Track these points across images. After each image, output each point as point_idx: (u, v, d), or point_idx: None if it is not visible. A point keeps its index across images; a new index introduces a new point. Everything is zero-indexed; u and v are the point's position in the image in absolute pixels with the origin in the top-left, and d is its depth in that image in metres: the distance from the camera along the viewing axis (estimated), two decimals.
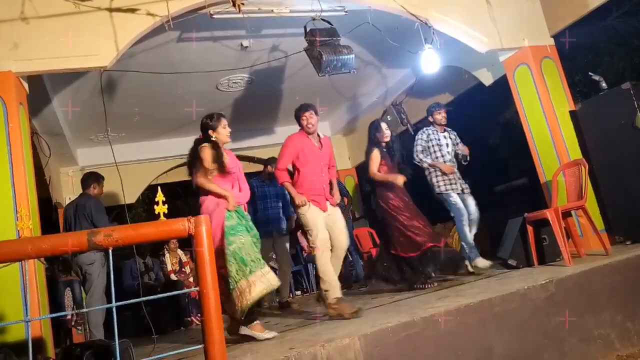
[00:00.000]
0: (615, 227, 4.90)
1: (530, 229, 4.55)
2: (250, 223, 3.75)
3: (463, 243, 5.00)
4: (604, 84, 5.12)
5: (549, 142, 5.12)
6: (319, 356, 2.58)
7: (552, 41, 5.41)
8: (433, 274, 4.70)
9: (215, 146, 3.61)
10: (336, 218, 4.04)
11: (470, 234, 5.05)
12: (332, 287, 3.73)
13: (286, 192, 5.75)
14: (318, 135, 4.16)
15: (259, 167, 8.86)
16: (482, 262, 4.84)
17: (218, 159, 3.56)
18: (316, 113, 4.12)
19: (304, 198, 3.91)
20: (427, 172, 5.27)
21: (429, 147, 5.25)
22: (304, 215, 3.94)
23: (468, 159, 5.33)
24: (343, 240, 4.02)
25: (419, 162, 5.25)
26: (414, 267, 4.64)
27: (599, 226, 4.69)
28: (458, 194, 5.11)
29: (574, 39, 5.85)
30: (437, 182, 5.14)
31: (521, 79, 5.31)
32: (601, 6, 5.15)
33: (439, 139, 5.27)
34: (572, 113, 5.22)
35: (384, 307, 3.89)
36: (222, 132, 3.67)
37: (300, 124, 4.14)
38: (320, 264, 3.82)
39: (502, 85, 5.66)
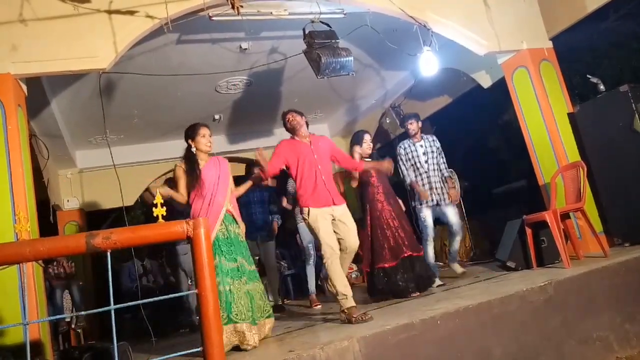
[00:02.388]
0: (613, 229, 4.90)
1: (529, 231, 4.55)
2: (240, 243, 3.68)
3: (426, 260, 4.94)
4: (602, 87, 5.13)
5: (548, 145, 5.12)
6: (318, 359, 2.58)
7: (550, 44, 5.42)
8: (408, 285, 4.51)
9: (190, 162, 3.73)
10: (345, 218, 3.93)
11: (454, 242, 5.25)
12: (345, 296, 3.65)
13: (272, 198, 5.88)
14: (310, 139, 4.10)
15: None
16: (437, 282, 4.80)
17: (190, 177, 3.67)
18: (300, 114, 4.12)
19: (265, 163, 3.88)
20: (408, 185, 5.37)
21: (407, 160, 5.32)
22: (307, 221, 3.90)
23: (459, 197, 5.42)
24: (352, 242, 3.91)
25: (403, 178, 5.36)
26: (390, 276, 4.49)
27: (598, 228, 4.70)
28: (433, 206, 5.15)
29: (572, 41, 5.86)
30: (413, 196, 5.27)
31: (519, 81, 5.32)
32: (599, 9, 5.16)
33: (415, 150, 5.32)
34: (570, 115, 5.23)
35: (382, 309, 3.89)
36: (201, 140, 3.74)
37: (286, 128, 4.16)
38: (330, 272, 3.74)
39: (501, 88, 5.67)
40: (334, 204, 3.92)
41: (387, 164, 4.60)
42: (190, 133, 3.79)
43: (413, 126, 5.36)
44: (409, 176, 5.27)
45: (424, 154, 5.28)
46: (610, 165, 4.89)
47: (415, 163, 5.25)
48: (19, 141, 3.59)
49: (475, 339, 2.97)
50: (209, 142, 3.78)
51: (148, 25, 3.97)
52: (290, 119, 4.10)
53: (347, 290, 3.66)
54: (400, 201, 4.91)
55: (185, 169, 3.72)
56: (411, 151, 5.30)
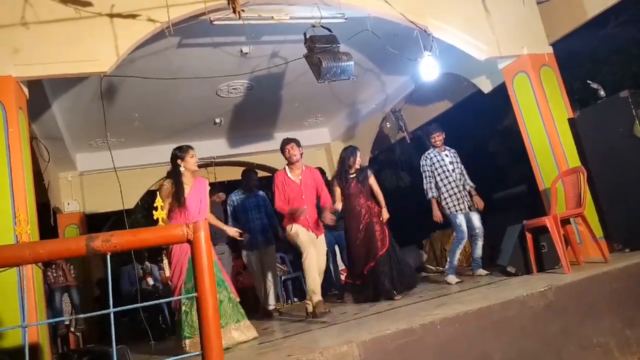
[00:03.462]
0: (614, 235, 4.89)
1: (529, 236, 4.54)
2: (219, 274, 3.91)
3: (450, 259, 5.39)
4: (602, 92, 5.13)
5: (548, 150, 5.13)
6: None
7: (550, 49, 5.43)
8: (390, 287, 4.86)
9: (176, 180, 3.96)
10: (318, 242, 4.74)
11: (477, 247, 5.43)
12: (314, 292, 4.40)
13: (267, 202, 6.17)
14: (302, 169, 4.81)
15: (260, 173, 8.87)
16: (481, 271, 5.30)
17: (176, 201, 3.92)
18: (298, 145, 4.78)
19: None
20: (439, 193, 5.51)
21: (433, 171, 5.47)
22: (289, 234, 4.67)
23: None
24: (322, 262, 4.74)
25: (426, 192, 5.51)
26: (374, 277, 4.88)
27: (598, 234, 4.69)
28: (465, 212, 5.36)
29: (573, 47, 5.87)
30: (447, 203, 5.40)
31: (520, 86, 5.32)
32: (600, 15, 5.18)
33: (442, 159, 5.49)
34: (570, 121, 5.23)
35: (381, 314, 3.88)
36: (190, 161, 4.06)
37: (284, 155, 4.79)
38: (305, 269, 4.52)
39: (501, 93, 5.67)
40: (314, 233, 4.72)
41: (338, 207, 5.07)
42: (180, 154, 4.03)
43: (440, 138, 5.53)
44: (432, 191, 5.45)
45: (450, 163, 5.48)
46: (611, 170, 4.89)
47: (444, 171, 5.43)
48: (19, 144, 3.59)
49: (475, 344, 2.96)
50: (196, 162, 4.12)
51: (149, 29, 3.98)
52: (290, 151, 4.74)
53: (317, 288, 4.44)
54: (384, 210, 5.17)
55: (173, 191, 3.94)
56: (438, 161, 5.49)
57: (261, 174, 8.79)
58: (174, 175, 4.01)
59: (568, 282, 3.52)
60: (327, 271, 6.00)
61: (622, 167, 4.79)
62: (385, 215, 5.11)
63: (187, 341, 3.72)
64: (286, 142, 4.79)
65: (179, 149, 4.08)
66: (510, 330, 3.09)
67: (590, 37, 7.93)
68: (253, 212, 5.98)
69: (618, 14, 8.22)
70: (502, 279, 4.60)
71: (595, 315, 3.40)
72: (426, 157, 5.56)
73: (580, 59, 8.64)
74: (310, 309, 4.50)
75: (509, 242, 4.84)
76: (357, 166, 5.19)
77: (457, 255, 5.41)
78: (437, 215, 5.40)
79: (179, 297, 3.02)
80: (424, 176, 5.53)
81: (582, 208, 4.41)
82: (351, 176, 5.19)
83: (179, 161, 4.02)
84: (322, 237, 4.84)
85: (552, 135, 5.12)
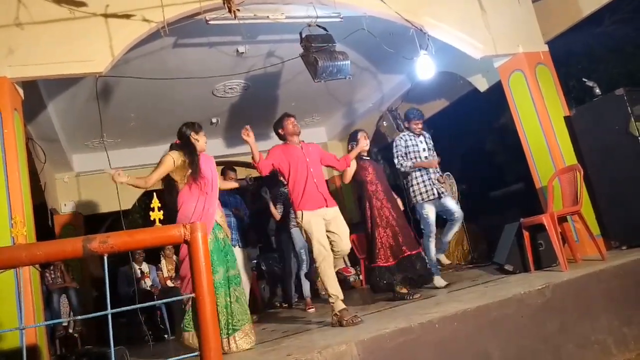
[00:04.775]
0: (611, 232, 4.91)
1: (526, 234, 4.55)
2: (231, 250, 3.69)
3: (428, 257, 4.91)
4: (598, 90, 5.15)
5: (544, 148, 5.14)
6: None
7: (546, 47, 5.44)
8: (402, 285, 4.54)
9: (191, 151, 3.65)
10: (337, 221, 4.00)
11: (451, 232, 5.05)
12: (336, 298, 3.70)
13: (243, 205, 5.82)
14: (301, 145, 4.20)
15: (256, 173, 8.85)
16: (438, 281, 4.87)
17: (191, 167, 3.56)
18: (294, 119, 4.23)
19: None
20: (405, 182, 5.21)
21: (407, 153, 5.14)
22: (301, 224, 3.94)
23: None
24: (344, 246, 3.98)
25: (399, 167, 5.14)
26: (388, 276, 4.49)
27: (595, 231, 4.71)
28: (434, 200, 4.97)
29: (568, 45, 5.88)
30: (413, 191, 5.06)
31: (516, 85, 5.33)
32: (595, 13, 5.20)
33: (416, 144, 5.17)
34: (566, 119, 5.25)
35: (380, 313, 3.89)
36: (202, 139, 3.78)
37: (280, 132, 4.24)
38: (322, 274, 3.80)
39: (497, 91, 5.68)
40: (327, 206, 3.97)
41: (362, 141, 4.54)
42: (196, 127, 3.79)
43: (419, 126, 5.22)
44: (408, 163, 5.06)
45: (424, 150, 5.17)
46: (607, 168, 4.91)
47: (416, 157, 5.10)
48: (15, 145, 3.57)
49: (474, 342, 2.97)
50: (205, 142, 3.82)
51: (145, 29, 3.97)
52: (292, 124, 4.17)
53: (339, 293, 3.71)
54: (399, 200, 4.90)
55: (184, 158, 3.60)
56: (412, 144, 5.15)
57: (257, 174, 8.79)
58: (186, 146, 3.69)
59: (565, 280, 3.52)
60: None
61: (618, 164, 4.81)
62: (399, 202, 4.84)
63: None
64: (286, 116, 4.26)
65: (192, 124, 3.80)
66: (509, 328, 3.10)
67: (586, 35, 7.94)
68: (231, 210, 5.87)
69: (613, 12, 8.24)
70: (499, 277, 4.61)
71: (592, 312, 3.41)
72: (401, 137, 5.22)
73: (576, 57, 8.66)
74: (338, 309, 3.69)
75: (506, 240, 4.84)
76: (367, 148, 4.74)
77: (433, 252, 5.01)
78: (426, 163, 5.03)
79: (179, 297, 3.00)
80: (395, 155, 5.16)
81: (578, 206, 4.43)
82: (365, 159, 4.83)
83: (193, 134, 3.75)
84: (338, 211, 4.10)
85: (548, 133, 5.13)
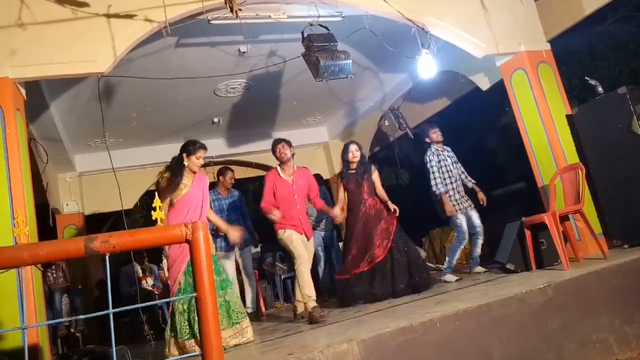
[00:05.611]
0: (613, 231, 4.90)
1: (528, 233, 4.55)
2: (220, 268, 3.87)
3: (450, 258, 5.39)
4: (600, 89, 5.14)
5: (546, 146, 5.13)
6: None
7: (548, 46, 5.43)
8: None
9: (175, 170, 3.83)
10: (308, 245, 4.71)
11: (477, 247, 5.44)
12: (310, 297, 4.23)
13: (243, 204, 6.18)
14: (293, 169, 4.76)
15: (258, 172, 8.88)
16: (449, 278, 5.23)
17: (169, 187, 3.77)
18: (289, 145, 4.73)
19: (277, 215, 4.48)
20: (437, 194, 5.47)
21: (440, 168, 5.43)
22: (282, 239, 4.57)
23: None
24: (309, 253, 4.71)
25: (434, 188, 5.41)
26: (365, 282, 4.78)
27: (597, 230, 4.70)
28: (465, 211, 5.37)
29: (570, 43, 5.87)
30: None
31: (518, 83, 5.32)
32: (597, 11, 5.18)
33: (445, 159, 5.50)
34: (568, 117, 5.23)
35: (381, 312, 3.89)
36: (196, 162, 3.94)
37: (275, 156, 4.76)
38: (299, 276, 4.41)
39: (499, 90, 5.67)
40: (306, 236, 4.67)
41: (336, 213, 4.95)
42: (191, 149, 3.93)
43: (437, 135, 5.53)
44: (441, 186, 5.38)
45: (452, 163, 5.50)
46: (609, 167, 4.89)
47: (448, 170, 5.42)
48: (17, 145, 3.58)
49: (475, 341, 2.97)
50: (200, 164, 4.00)
51: (147, 29, 3.97)
52: (281, 151, 4.68)
53: (312, 294, 4.27)
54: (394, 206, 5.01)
55: (168, 178, 3.81)
56: (443, 159, 5.47)
57: (259, 173, 8.81)
58: (175, 166, 3.91)
59: (567, 278, 3.52)
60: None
61: (620, 163, 4.80)
62: (392, 205, 4.95)
63: (192, 341, 3.63)
64: (277, 142, 4.79)
65: (193, 143, 3.99)
66: (510, 327, 3.09)
67: (588, 34, 7.94)
68: (230, 212, 5.91)
69: (615, 11, 8.22)
70: (501, 276, 4.61)
71: (594, 311, 3.41)
72: (433, 152, 5.49)
73: (578, 56, 8.65)
74: (300, 309, 4.53)
75: (508, 239, 4.84)
76: (356, 160, 5.12)
77: (457, 255, 5.42)
78: (450, 209, 5.30)
79: (180, 297, 2.99)
80: (430, 171, 5.42)
81: (580, 204, 4.42)
82: (351, 172, 5.15)
83: (184, 155, 3.94)
84: (312, 240, 4.86)
85: (550, 132, 5.12)
